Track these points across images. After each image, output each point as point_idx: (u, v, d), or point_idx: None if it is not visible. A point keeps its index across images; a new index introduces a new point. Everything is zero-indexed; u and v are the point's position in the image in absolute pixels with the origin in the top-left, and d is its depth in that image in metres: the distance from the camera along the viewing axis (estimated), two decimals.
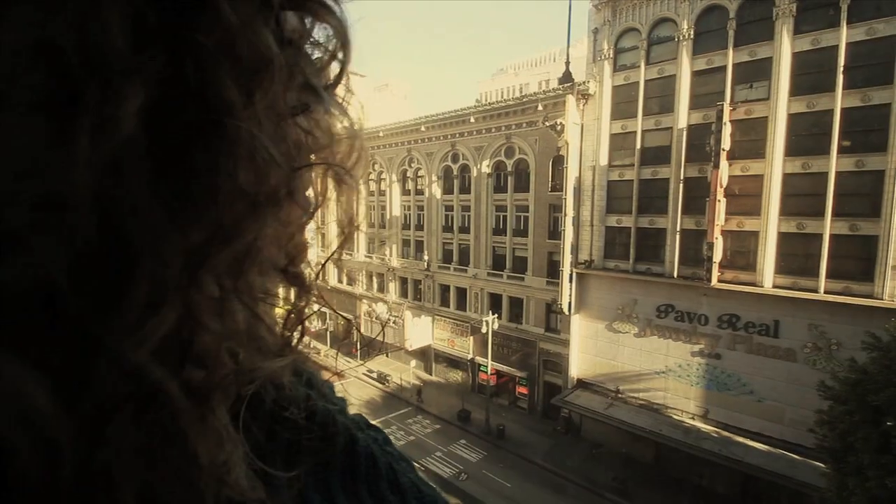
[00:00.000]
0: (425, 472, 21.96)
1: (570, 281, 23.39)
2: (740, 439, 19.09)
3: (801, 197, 17.97)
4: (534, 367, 26.41)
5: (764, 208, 18.53)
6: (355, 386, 31.65)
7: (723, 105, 18.67)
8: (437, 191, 31.24)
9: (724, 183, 18.99)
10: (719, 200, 18.86)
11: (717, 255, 19.18)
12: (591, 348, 23.73)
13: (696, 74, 20.24)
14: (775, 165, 18.26)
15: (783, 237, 18.42)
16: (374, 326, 33.36)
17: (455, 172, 30.21)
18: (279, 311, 0.40)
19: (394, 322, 31.79)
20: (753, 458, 18.05)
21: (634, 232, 22.03)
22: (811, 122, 17.68)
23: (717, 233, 19.03)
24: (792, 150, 18.08)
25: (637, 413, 21.48)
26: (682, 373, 20.96)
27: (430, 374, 32.21)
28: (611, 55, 22.38)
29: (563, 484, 21.00)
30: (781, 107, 18.06)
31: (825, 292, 17.29)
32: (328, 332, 38.44)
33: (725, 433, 19.57)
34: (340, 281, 39.19)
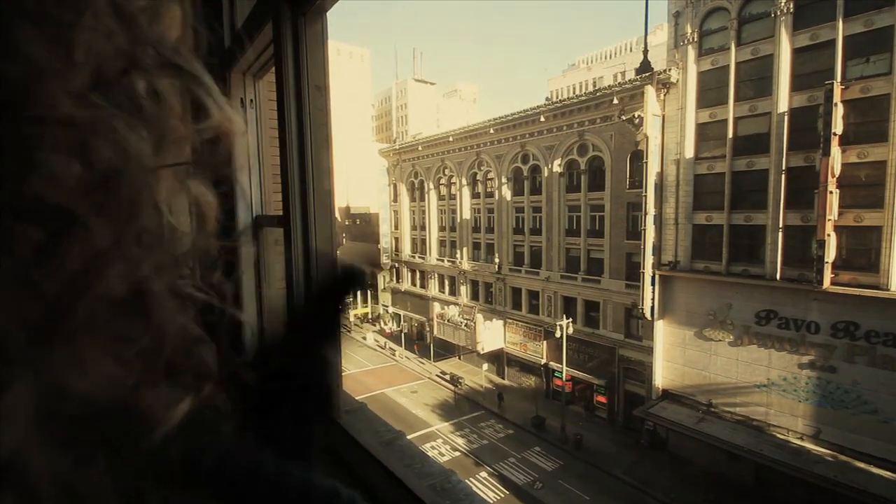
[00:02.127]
0: (498, 478, 21.62)
1: (653, 284, 21.93)
2: (861, 465, 16.77)
3: None
4: (613, 374, 25.07)
5: (889, 199, 16.14)
6: (428, 387, 32.07)
7: (832, 84, 16.59)
8: (507, 193, 30.89)
9: (837, 172, 16.79)
10: (831, 192, 16.71)
11: (830, 255, 16.99)
12: (678, 357, 22.04)
13: (797, 52, 18.18)
14: None
15: None
16: (447, 329, 33.62)
17: (525, 173, 29.67)
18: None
19: (465, 325, 31.80)
20: (879, 487, 15.73)
21: (727, 230, 20.19)
22: None
23: (829, 229, 16.86)
24: None
25: (733, 430, 19.57)
26: (787, 387, 18.79)
27: (503, 378, 31.80)
28: (695, 39, 20.78)
29: (647, 501, 19.63)
30: None
31: None
32: (402, 334, 39.43)
33: (843, 457, 17.26)
34: (414, 284, 40.03)
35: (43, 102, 0.24)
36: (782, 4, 18.23)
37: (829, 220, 16.90)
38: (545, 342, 28.30)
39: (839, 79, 16.88)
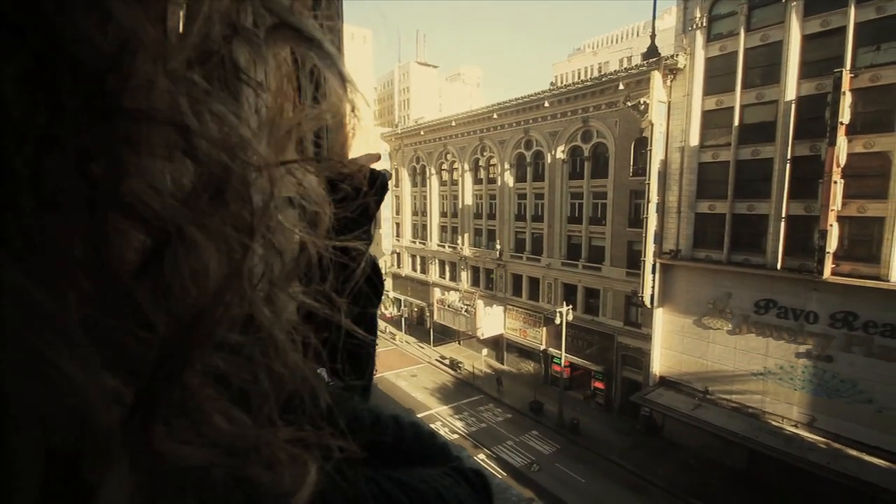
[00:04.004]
0: (497, 460, 21.98)
1: (654, 272, 21.97)
2: (854, 452, 17.02)
3: None
4: (611, 361, 25.29)
5: (893, 190, 16.07)
6: (428, 371, 32.39)
7: (841, 72, 16.38)
8: (509, 179, 30.75)
9: (843, 162, 16.68)
10: (836, 182, 16.63)
11: (832, 245, 16.98)
12: (676, 345, 22.20)
13: (807, 39, 17.90)
14: None
15: None
16: (447, 314, 33.81)
17: (528, 160, 29.49)
18: None
19: (466, 311, 31.98)
20: (871, 474, 16.01)
21: (730, 219, 20.15)
22: None
23: (832, 219, 16.83)
24: None
25: (729, 417, 19.81)
26: (784, 375, 18.95)
27: (502, 364, 32.09)
28: (704, 24, 20.45)
29: (642, 484, 20.00)
30: None
31: None
32: (403, 319, 39.69)
33: (836, 445, 17.51)
34: (414, 269, 40.14)
35: (140, 87, 0.20)
36: None
37: (832, 210, 16.84)
38: (545, 328, 28.47)
39: (849, 67, 16.64)
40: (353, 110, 0.31)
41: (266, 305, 0.26)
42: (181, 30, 0.22)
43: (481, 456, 22.34)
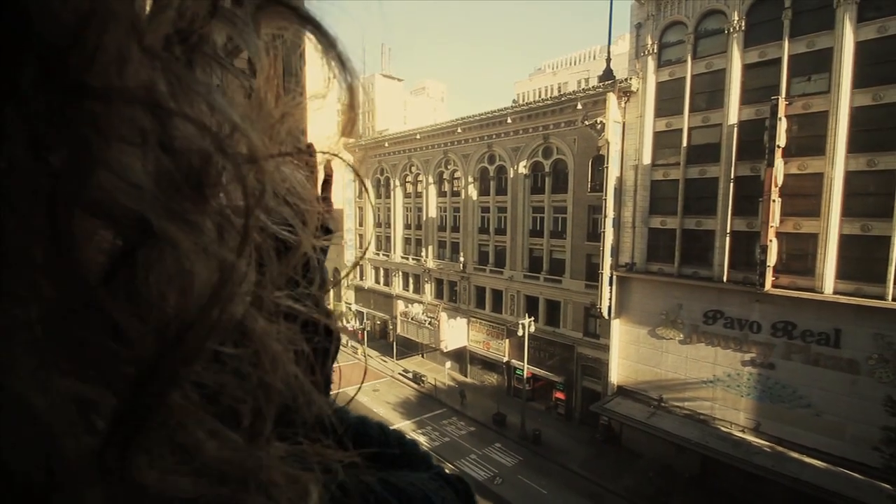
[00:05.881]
0: (459, 474, 21.82)
1: (611, 284, 22.71)
2: (795, 455, 17.96)
3: (867, 196, 16.78)
4: (572, 372, 25.80)
5: (824, 209, 17.37)
6: (390, 386, 31.93)
7: (777, 99, 17.68)
8: (473, 192, 31.14)
9: (780, 182, 17.94)
10: (774, 200, 17.83)
11: (772, 259, 18.13)
12: (632, 354, 22.94)
13: (747, 68, 19.25)
14: (837, 163, 17.07)
15: (846, 240, 17.19)
16: (410, 327, 33.56)
17: (491, 174, 30.01)
18: None
19: (429, 323, 31.86)
20: (810, 475, 16.94)
21: (680, 234, 21.16)
22: (878, 115, 16.41)
23: (771, 235, 17.99)
24: (856, 147, 16.87)
25: (682, 424, 20.56)
26: (731, 383, 19.91)
27: (465, 376, 32.07)
28: (655, 50, 21.64)
29: (601, 493, 20.36)
30: (844, 100, 16.88)
31: (893, 299, 15.97)
32: (365, 332, 39.05)
33: (779, 448, 18.45)
34: (378, 281, 39.71)
35: (110, 63, 0.17)
36: (735, 22, 19.25)
37: (771, 226, 18.00)
38: (507, 340, 28.74)
39: (784, 95, 17.96)
40: (351, 100, 0.27)
41: (259, 312, 0.23)
42: (158, 3, 0.19)
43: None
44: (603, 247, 22.75)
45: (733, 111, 19.46)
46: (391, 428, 0.55)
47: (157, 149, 0.19)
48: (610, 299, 22.74)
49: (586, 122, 23.79)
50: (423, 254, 34.97)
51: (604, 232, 22.70)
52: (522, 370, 26.24)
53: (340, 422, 0.37)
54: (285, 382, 0.25)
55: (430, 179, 34.12)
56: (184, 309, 0.19)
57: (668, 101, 21.46)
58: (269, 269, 0.24)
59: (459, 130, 31.39)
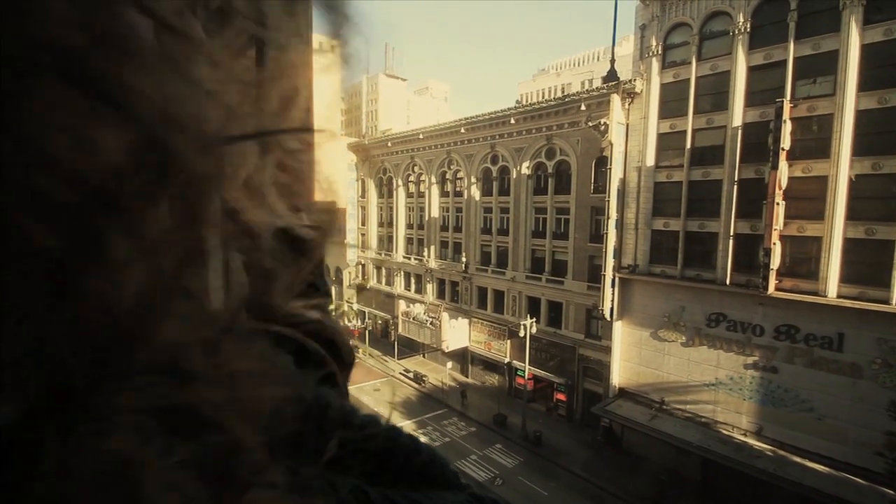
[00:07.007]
0: (460, 476, 21.82)
1: (613, 286, 22.65)
2: (798, 459, 17.89)
3: (871, 200, 16.70)
4: (573, 373, 25.76)
5: (828, 212, 17.29)
6: (392, 385, 31.94)
7: (782, 102, 17.61)
8: (475, 193, 31.13)
9: (784, 185, 17.86)
10: (778, 203, 17.76)
11: (775, 262, 18.05)
12: (634, 356, 22.88)
13: (752, 70, 19.17)
14: (842, 166, 16.99)
15: (850, 243, 17.10)
16: (412, 327, 33.57)
17: (494, 174, 29.99)
18: None
19: (431, 323, 31.86)
20: (812, 480, 16.86)
21: (683, 236, 21.10)
22: (884, 118, 16.32)
23: (775, 238, 17.92)
24: (861, 150, 16.79)
25: (683, 426, 20.49)
26: (733, 386, 19.84)
27: (467, 377, 32.05)
28: (659, 52, 21.58)
29: (601, 496, 20.31)
30: (849, 103, 16.79)
31: None
32: (367, 331, 39.09)
33: (781, 452, 18.38)
34: (379, 281, 39.73)
35: (61, 34, 0.14)
36: (740, 24, 19.18)
37: (775, 229, 17.93)
38: (509, 341, 28.72)
39: (789, 97, 17.90)
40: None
41: (225, 325, 0.19)
42: None
43: None
44: (605, 248, 22.70)
45: (738, 113, 19.39)
46: (424, 442, 0.53)
47: (112, 129, 0.16)
48: (612, 301, 22.69)
49: (590, 124, 23.76)
50: (426, 254, 34.97)
51: (606, 233, 22.65)
52: (524, 371, 26.21)
53: (365, 437, 0.37)
54: (266, 406, 0.21)
55: (433, 179, 34.12)
56: (120, 317, 0.16)
57: (672, 103, 21.41)
58: (257, 280, 0.21)
59: (463, 130, 31.38)
